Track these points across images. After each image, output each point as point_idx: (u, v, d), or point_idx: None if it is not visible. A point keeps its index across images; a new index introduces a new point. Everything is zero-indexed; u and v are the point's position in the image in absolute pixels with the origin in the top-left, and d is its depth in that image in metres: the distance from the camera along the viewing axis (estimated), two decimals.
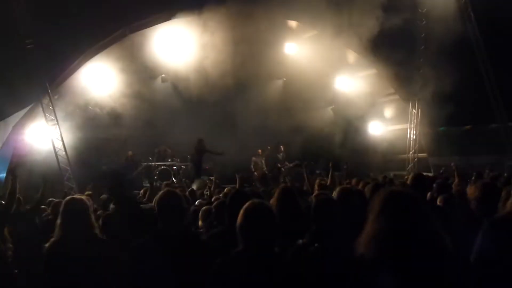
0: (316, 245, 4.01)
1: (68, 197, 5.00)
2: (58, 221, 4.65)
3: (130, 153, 18.72)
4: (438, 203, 6.08)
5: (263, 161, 20.77)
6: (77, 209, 4.67)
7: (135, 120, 18.89)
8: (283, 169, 20.31)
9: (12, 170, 7.56)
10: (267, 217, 3.51)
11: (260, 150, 20.67)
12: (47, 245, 4.58)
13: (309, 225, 4.48)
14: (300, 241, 4.18)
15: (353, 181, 10.56)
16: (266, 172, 19.32)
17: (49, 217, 7.56)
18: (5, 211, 6.45)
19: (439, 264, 2.95)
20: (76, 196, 5.37)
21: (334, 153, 22.30)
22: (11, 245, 6.08)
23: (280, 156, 20.79)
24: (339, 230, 4.13)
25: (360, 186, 8.04)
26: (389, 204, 3.10)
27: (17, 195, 6.75)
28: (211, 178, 19.47)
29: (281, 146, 20.94)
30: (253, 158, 20.54)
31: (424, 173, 15.86)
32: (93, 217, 4.79)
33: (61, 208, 4.75)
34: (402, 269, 2.92)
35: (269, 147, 21.31)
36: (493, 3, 16.24)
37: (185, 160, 19.97)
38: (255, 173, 19.94)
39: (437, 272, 2.93)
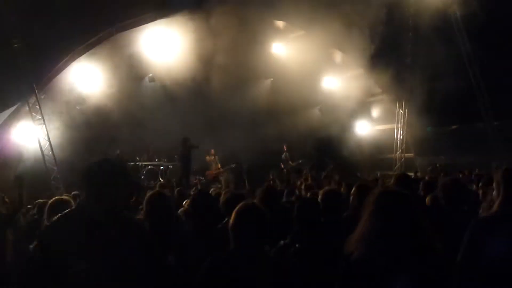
0: (297, 245, 4.03)
1: (54, 198, 4.93)
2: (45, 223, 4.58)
3: (118, 151, 18.63)
4: (426, 202, 6.11)
5: (217, 161, 20.75)
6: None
7: (123, 120, 18.82)
8: (285, 170, 20.38)
9: (19, 176, 7.39)
10: (258, 218, 3.53)
11: (212, 150, 20.62)
12: (31, 246, 4.51)
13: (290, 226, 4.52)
14: (282, 242, 4.20)
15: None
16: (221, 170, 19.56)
17: (35, 216, 7.48)
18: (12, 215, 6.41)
19: (428, 263, 2.98)
20: (64, 197, 5.30)
21: (321, 154, 22.44)
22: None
23: (283, 155, 20.82)
24: (321, 231, 4.16)
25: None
26: (381, 204, 3.13)
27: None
28: (200, 178, 19.59)
29: (284, 146, 21.00)
30: (207, 157, 20.49)
31: (411, 173, 16.02)
32: None
33: (46, 209, 4.68)
34: (392, 268, 2.94)
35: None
36: (481, 6, 16.33)
37: (172, 160, 19.92)
38: (207, 172, 20.06)
39: (426, 271, 2.95)
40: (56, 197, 4.96)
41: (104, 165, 3.44)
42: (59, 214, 3.35)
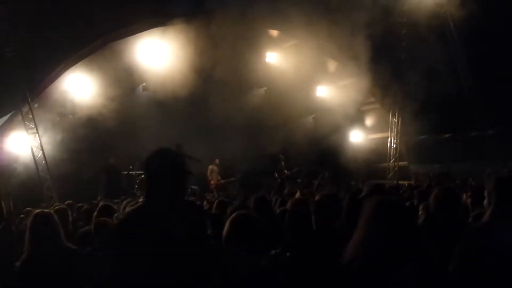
0: (288, 254, 4.04)
1: (36, 211, 4.87)
2: (27, 235, 4.58)
3: (112, 160, 18.58)
4: (419, 211, 6.12)
5: (217, 171, 20.79)
6: (45, 224, 4.59)
7: (116, 128, 18.80)
8: (279, 179, 20.29)
9: (5, 193, 7.43)
10: (252, 227, 3.54)
11: (217, 160, 20.66)
12: (18, 263, 4.50)
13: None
14: (273, 251, 4.20)
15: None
16: (222, 181, 19.60)
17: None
18: None
19: (425, 269, 3.00)
20: (46, 210, 5.24)
21: (315, 162, 22.41)
22: None
23: (279, 165, 20.69)
24: (312, 240, 4.16)
25: None
26: (379, 212, 3.15)
27: None
28: (193, 187, 19.53)
29: (281, 155, 20.91)
30: (210, 167, 20.50)
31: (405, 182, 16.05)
32: (62, 231, 4.70)
33: (28, 223, 4.67)
34: (391, 274, 2.95)
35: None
36: (474, 14, 16.41)
37: None
38: (211, 182, 20.08)
39: (424, 277, 2.97)
40: (38, 211, 4.89)
41: (165, 157, 3.22)
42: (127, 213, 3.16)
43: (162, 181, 3.13)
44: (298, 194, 10.33)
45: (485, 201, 4.01)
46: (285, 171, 20.84)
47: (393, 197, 4.02)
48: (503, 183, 3.85)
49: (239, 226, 3.54)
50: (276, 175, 20.46)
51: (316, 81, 21.98)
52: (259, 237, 3.54)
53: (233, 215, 3.66)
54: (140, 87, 19.93)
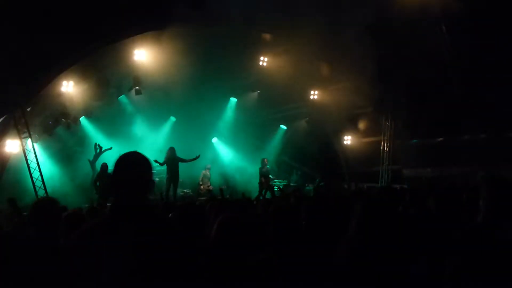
0: (274, 257, 4.05)
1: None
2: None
3: (104, 164, 18.57)
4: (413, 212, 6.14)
5: (209, 176, 20.86)
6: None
7: (110, 132, 18.79)
8: (265, 184, 20.18)
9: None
10: (241, 230, 3.55)
11: (209, 165, 20.73)
12: None
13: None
14: (260, 255, 4.21)
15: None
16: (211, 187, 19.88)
17: None
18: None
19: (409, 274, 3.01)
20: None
21: (308, 166, 22.44)
22: None
23: (264, 169, 20.58)
24: (299, 244, 4.17)
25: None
26: (366, 214, 3.16)
27: None
28: (186, 190, 19.51)
29: (265, 160, 20.82)
30: (203, 171, 20.55)
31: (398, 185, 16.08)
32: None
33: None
34: (374, 277, 2.96)
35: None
36: (466, 16, 16.45)
37: (160, 173, 19.81)
38: (201, 186, 20.10)
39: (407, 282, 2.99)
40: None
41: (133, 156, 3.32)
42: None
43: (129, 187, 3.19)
44: (292, 198, 10.32)
45: (481, 202, 4.01)
46: (270, 176, 20.69)
47: (382, 201, 4.03)
48: (498, 184, 3.85)
49: (227, 228, 3.56)
50: (263, 180, 20.30)
51: (309, 84, 21.96)
52: (245, 239, 3.56)
53: (221, 217, 3.68)
54: (133, 91, 19.89)
